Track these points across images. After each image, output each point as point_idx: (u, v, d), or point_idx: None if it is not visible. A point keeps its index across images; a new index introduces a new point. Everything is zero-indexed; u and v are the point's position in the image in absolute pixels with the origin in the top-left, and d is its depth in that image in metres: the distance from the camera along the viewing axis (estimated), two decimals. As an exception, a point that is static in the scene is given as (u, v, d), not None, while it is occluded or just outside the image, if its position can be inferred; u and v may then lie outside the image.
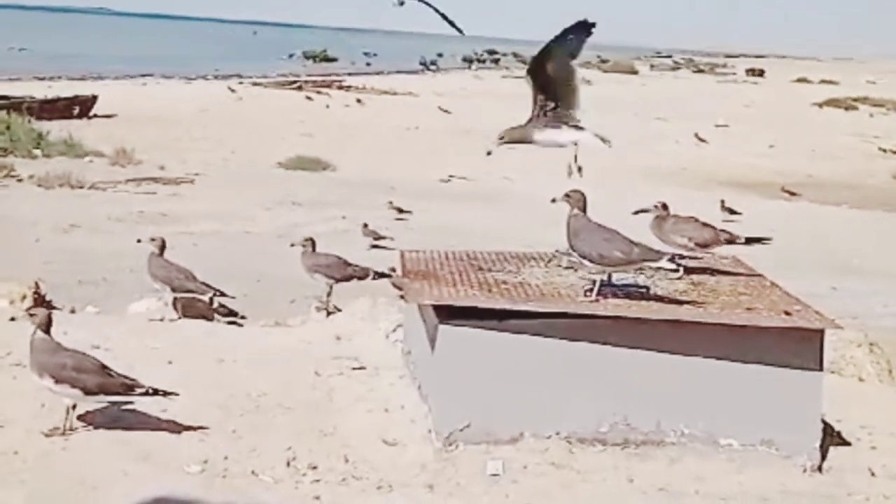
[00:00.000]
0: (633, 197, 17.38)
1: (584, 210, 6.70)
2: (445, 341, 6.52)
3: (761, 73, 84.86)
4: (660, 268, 6.56)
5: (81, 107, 32.44)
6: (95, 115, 32.37)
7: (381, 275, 10.40)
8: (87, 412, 6.63)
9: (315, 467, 6.35)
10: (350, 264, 10.21)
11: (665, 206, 7.75)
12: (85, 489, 5.86)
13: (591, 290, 6.66)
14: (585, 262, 6.63)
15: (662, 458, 6.58)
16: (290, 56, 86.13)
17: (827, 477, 6.66)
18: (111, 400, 6.56)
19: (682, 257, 6.76)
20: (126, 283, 11.92)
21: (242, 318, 10.35)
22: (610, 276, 6.67)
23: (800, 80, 75.25)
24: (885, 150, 33.81)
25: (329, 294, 9.93)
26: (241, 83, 50.09)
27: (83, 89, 37.56)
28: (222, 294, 9.56)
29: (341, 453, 6.53)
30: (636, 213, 7.79)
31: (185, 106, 35.79)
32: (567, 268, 7.39)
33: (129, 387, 6.48)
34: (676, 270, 7.06)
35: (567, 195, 6.76)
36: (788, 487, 6.46)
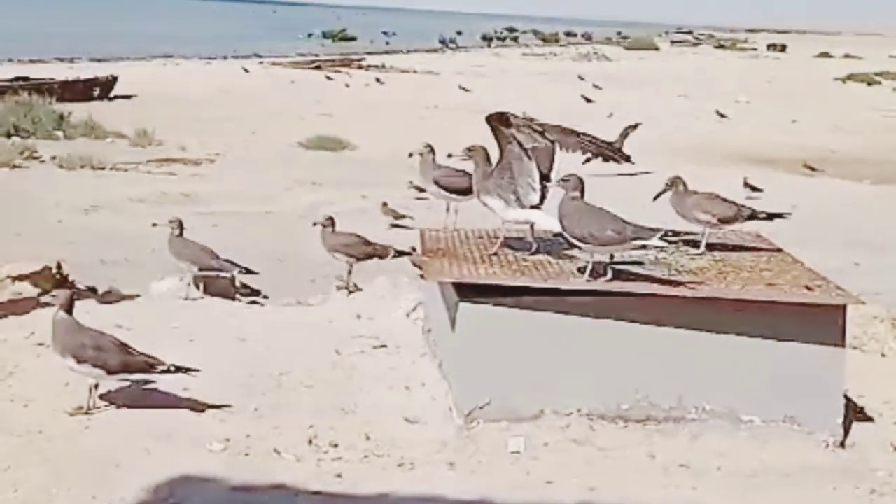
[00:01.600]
0: (654, 173, 17.32)
1: (581, 194, 6.65)
2: (465, 319, 6.52)
3: (783, 48, 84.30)
4: (652, 246, 6.44)
5: (102, 88, 32.49)
6: (116, 96, 32.43)
7: (402, 253, 10.39)
8: (110, 391, 6.67)
9: (336, 445, 6.38)
10: (370, 243, 10.20)
11: (679, 179, 7.67)
12: (108, 468, 5.90)
13: (586, 269, 6.61)
14: (578, 243, 6.59)
15: (684, 435, 6.57)
16: (309, 35, 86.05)
17: (850, 453, 6.64)
18: (133, 378, 6.61)
19: (675, 234, 6.67)
20: (148, 263, 11.96)
21: (264, 297, 10.38)
22: (612, 256, 6.60)
23: (822, 55, 74.71)
24: (908, 125, 33.55)
25: (350, 273, 9.93)
26: (260, 63, 50.11)
27: (103, 70, 37.63)
28: (248, 271, 9.58)
29: (363, 431, 6.55)
30: (655, 198, 7.70)
31: (204, 86, 35.82)
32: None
33: (151, 364, 6.53)
34: (663, 248, 6.89)
35: (564, 179, 6.73)
36: (811, 463, 6.44)
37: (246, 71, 42.63)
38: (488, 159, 7.29)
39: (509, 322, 6.53)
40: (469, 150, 7.31)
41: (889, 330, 9.14)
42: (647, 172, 17.27)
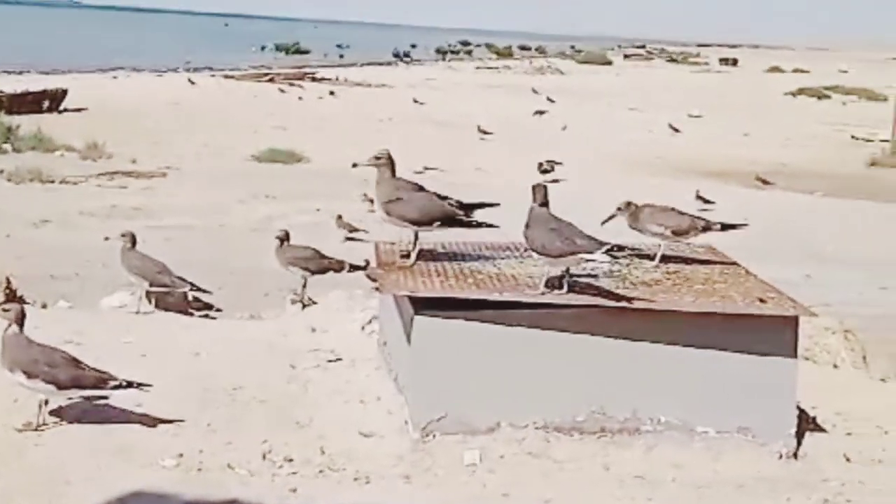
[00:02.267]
0: (607, 186, 17.42)
1: (545, 203, 6.68)
2: (421, 332, 6.50)
3: (734, 62, 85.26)
4: (598, 259, 6.44)
5: (51, 100, 32.17)
6: (66, 109, 32.12)
7: (357, 267, 10.37)
8: (61, 407, 6.57)
9: (291, 460, 6.33)
10: (325, 257, 10.17)
11: (629, 204, 7.70)
12: (59, 484, 5.82)
13: (541, 282, 6.64)
14: (532, 252, 6.64)
15: (639, 447, 6.59)
16: (263, 48, 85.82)
17: (802, 463, 6.69)
18: (84, 394, 6.52)
19: (620, 249, 6.68)
20: (99, 278, 11.84)
21: (217, 310, 10.31)
22: (568, 269, 6.63)
23: (773, 70, 75.65)
24: (857, 139, 34.00)
25: (304, 286, 9.89)
26: (213, 75, 49.84)
27: (53, 83, 37.25)
28: (199, 289, 9.51)
29: (318, 445, 6.50)
30: (604, 223, 7.67)
31: (156, 99, 35.58)
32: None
33: (103, 380, 6.44)
34: (616, 261, 6.90)
35: (532, 188, 6.75)
36: (764, 474, 6.48)
37: (192, 83, 42.28)
38: (393, 167, 7.24)
39: (465, 335, 6.52)
40: (376, 157, 7.24)
41: (841, 341, 9.24)
42: None
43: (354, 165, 7.42)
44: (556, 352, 6.57)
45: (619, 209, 7.67)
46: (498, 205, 7.06)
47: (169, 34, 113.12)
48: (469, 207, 7.38)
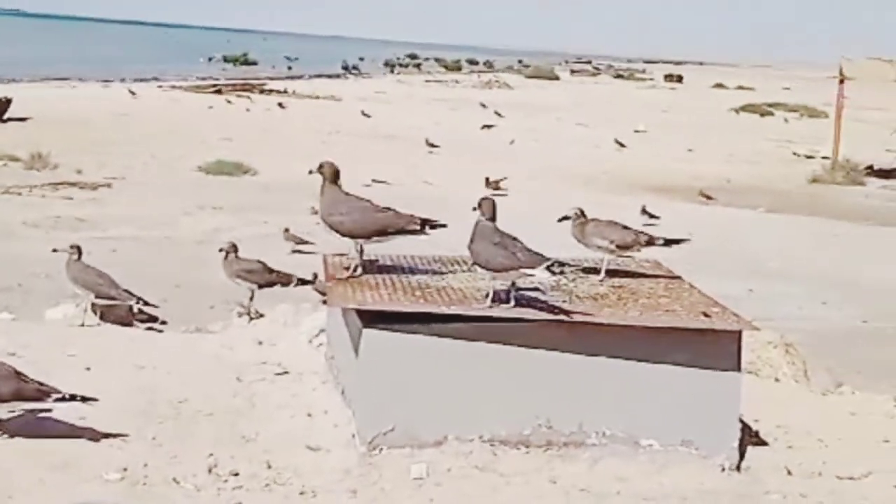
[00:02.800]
0: (554, 200, 17.52)
1: (493, 217, 6.73)
2: (369, 345, 6.51)
3: (679, 78, 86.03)
4: (539, 275, 6.50)
5: (-5, 110, 31.73)
6: (9, 119, 31.69)
7: (304, 281, 10.35)
8: (2, 420, 6.49)
9: (237, 474, 6.30)
10: (273, 270, 10.15)
11: (582, 212, 7.84)
12: (1, 499, 5.74)
13: (487, 295, 6.69)
14: (476, 267, 6.71)
15: (584, 460, 6.64)
16: (210, 59, 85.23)
17: (745, 476, 6.77)
18: (26, 407, 6.45)
19: (561, 265, 6.75)
20: (43, 289, 11.70)
21: (162, 323, 10.23)
22: (514, 283, 6.68)
23: (717, 86, 76.45)
24: (799, 155, 34.46)
25: (251, 299, 9.86)
26: (159, 86, 49.46)
27: (-4, 92, 36.76)
28: (145, 302, 9.44)
29: (264, 459, 6.48)
30: (560, 220, 7.88)
31: (102, 109, 35.22)
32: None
33: (45, 392, 6.38)
34: (560, 275, 6.98)
35: (479, 203, 6.81)
36: (707, 487, 6.56)
37: (132, 94, 41.81)
38: (337, 176, 7.27)
39: (413, 348, 6.53)
40: (320, 166, 7.28)
41: (782, 355, 9.37)
42: None
43: (311, 172, 7.40)
44: (503, 365, 6.61)
45: (575, 213, 7.79)
46: (445, 226, 7.09)
47: (115, 44, 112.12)
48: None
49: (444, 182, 23.55)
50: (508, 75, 79.48)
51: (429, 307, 6.63)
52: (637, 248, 7.81)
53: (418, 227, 7.12)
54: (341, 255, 7.77)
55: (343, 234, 7.18)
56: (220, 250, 10.18)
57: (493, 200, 6.87)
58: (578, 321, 6.58)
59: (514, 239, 6.62)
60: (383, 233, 7.16)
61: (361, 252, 7.28)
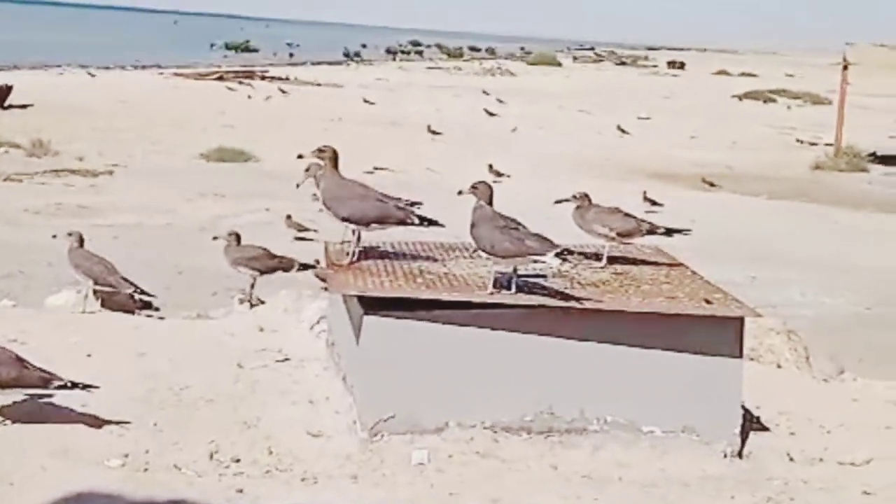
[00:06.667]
0: (556, 188, 17.49)
1: (490, 202, 6.72)
2: (370, 332, 6.50)
3: (682, 65, 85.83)
4: (549, 261, 6.47)
5: (-4, 96, 31.71)
6: (11, 106, 31.67)
7: (306, 266, 10.33)
8: (4, 406, 6.50)
9: (238, 460, 6.30)
10: (274, 256, 10.13)
11: (585, 196, 7.81)
12: (2, 485, 5.75)
13: (488, 282, 6.67)
14: (480, 252, 6.67)
15: (586, 446, 6.64)
16: (212, 46, 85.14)
17: (747, 462, 6.77)
18: (28, 393, 6.45)
19: (570, 252, 6.73)
20: (44, 276, 11.71)
21: (156, 309, 10.22)
22: (515, 270, 6.66)
23: (720, 73, 76.25)
24: (801, 142, 34.39)
25: (252, 286, 9.85)
26: (161, 73, 49.39)
27: (-2, 79, 36.73)
28: (143, 292, 9.44)
29: (265, 445, 6.48)
30: (557, 202, 7.84)
31: (104, 96, 35.19)
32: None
33: (47, 380, 6.38)
34: (564, 262, 6.95)
35: (474, 186, 6.79)
36: (709, 473, 6.56)
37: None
38: (337, 162, 7.25)
39: (414, 335, 6.52)
40: (320, 150, 7.25)
41: (785, 342, 9.36)
42: None
43: (300, 157, 7.41)
44: (505, 352, 6.60)
45: (574, 196, 7.75)
46: (443, 225, 7.08)
47: (117, 31, 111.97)
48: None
49: (446, 169, 23.52)
50: (510, 62, 79.39)
51: (430, 293, 6.62)
52: (637, 235, 7.79)
53: (416, 222, 7.11)
54: (344, 242, 7.76)
55: (343, 219, 7.17)
56: (215, 238, 10.19)
57: (489, 184, 6.85)
58: (580, 308, 6.57)
59: (517, 223, 6.60)
60: (382, 221, 7.15)
61: (358, 238, 7.28)
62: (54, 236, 9.55)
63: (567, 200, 7.78)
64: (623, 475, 6.45)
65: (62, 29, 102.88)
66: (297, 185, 7.74)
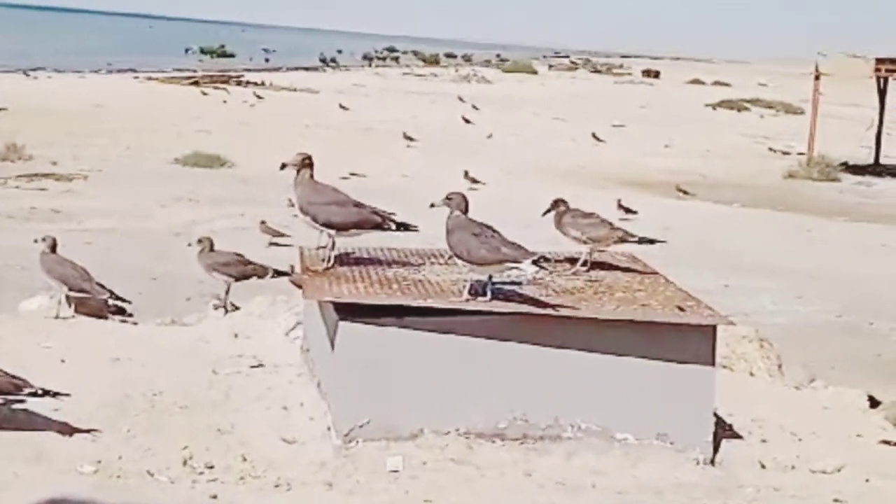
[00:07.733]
0: (532, 195, 17.54)
1: (465, 211, 6.74)
2: (345, 338, 6.50)
3: (657, 74, 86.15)
4: (525, 269, 6.49)
5: (-31, 100, 31.49)
6: (-16, 110, 31.46)
7: (281, 273, 10.32)
8: (-24, 413, 6.46)
9: (212, 466, 6.29)
10: (249, 262, 10.11)
11: (562, 201, 7.88)
12: (-27, 492, 5.71)
13: (465, 289, 6.69)
14: (457, 260, 6.69)
15: (560, 453, 6.66)
16: (187, 51, 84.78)
17: (719, 470, 6.81)
18: None
19: (546, 260, 6.76)
20: (17, 281, 11.64)
21: (130, 315, 10.18)
22: (491, 277, 6.68)
23: (694, 82, 76.59)
24: (774, 151, 34.64)
25: (227, 292, 9.82)
26: (136, 77, 49.18)
27: (-29, 82, 36.49)
28: (117, 297, 9.40)
29: (239, 452, 6.47)
30: (544, 214, 7.90)
31: (77, 100, 35.01)
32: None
33: (18, 386, 6.34)
34: (542, 269, 6.95)
35: (448, 198, 6.81)
36: (682, 480, 6.59)
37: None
38: (312, 168, 7.25)
39: (389, 341, 6.53)
40: (303, 159, 7.25)
41: (757, 349, 9.41)
42: None
43: (283, 167, 7.40)
44: (480, 359, 6.62)
45: (553, 203, 7.82)
46: (417, 230, 7.11)
47: (91, 35, 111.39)
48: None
49: (421, 175, 23.54)
50: (486, 69, 79.46)
51: (405, 300, 6.62)
52: (608, 242, 7.84)
53: (393, 227, 7.14)
54: (320, 248, 7.76)
55: (323, 225, 7.18)
56: (189, 245, 10.16)
57: (463, 194, 6.87)
58: (554, 315, 6.59)
59: (493, 230, 6.62)
60: (359, 227, 7.17)
61: (333, 244, 7.28)
62: (36, 240, 9.47)
63: (549, 211, 7.86)
64: (597, 482, 6.48)
65: (36, 32, 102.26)
66: (282, 167, 7.46)
